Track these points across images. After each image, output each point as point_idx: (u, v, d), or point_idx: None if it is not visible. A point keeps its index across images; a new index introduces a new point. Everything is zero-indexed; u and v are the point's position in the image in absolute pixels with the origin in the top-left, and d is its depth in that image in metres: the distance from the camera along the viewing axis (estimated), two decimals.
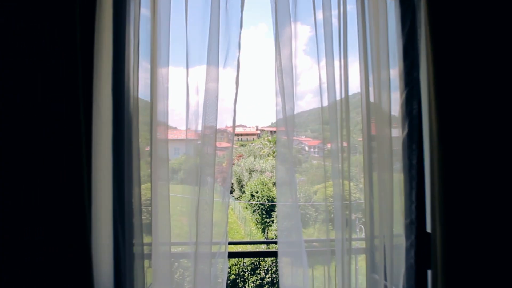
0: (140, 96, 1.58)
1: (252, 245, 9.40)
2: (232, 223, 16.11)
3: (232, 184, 18.06)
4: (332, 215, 1.59)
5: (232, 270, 8.44)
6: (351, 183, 1.60)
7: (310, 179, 1.76)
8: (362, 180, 1.66)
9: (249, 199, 15.49)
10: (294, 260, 1.63)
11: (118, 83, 1.53)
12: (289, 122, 1.58)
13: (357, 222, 1.83)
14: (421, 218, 1.58)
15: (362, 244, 1.79)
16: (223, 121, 1.63)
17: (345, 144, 1.59)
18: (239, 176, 19.01)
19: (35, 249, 1.31)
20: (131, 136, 1.53)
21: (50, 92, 1.34)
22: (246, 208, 16.29)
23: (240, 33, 1.62)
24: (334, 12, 1.61)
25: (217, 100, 1.58)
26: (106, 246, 1.46)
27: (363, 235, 1.73)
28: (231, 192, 17.85)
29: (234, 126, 1.63)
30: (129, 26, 1.58)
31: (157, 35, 1.56)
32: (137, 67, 1.54)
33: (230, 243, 1.71)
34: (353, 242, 1.62)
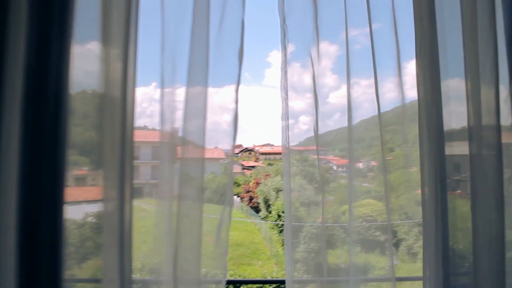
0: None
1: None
2: (258, 243, 15.89)
3: (259, 203, 17.90)
4: (361, 236, 1.54)
5: None
6: (381, 203, 1.55)
7: (338, 199, 1.73)
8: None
9: (275, 219, 15.27)
10: None
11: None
12: (317, 141, 1.57)
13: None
14: None
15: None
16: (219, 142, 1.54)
17: (374, 163, 1.56)
18: (266, 196, 18.83)
19: None
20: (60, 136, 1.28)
21: None
22: (273, 228, 16.04)
23: None
24: (363, 31, 1.58)
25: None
26: None
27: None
28: (258, 212, 17.68)
29: (236, 122, 1.50)
30: None
31: None
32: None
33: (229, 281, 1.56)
34: None
